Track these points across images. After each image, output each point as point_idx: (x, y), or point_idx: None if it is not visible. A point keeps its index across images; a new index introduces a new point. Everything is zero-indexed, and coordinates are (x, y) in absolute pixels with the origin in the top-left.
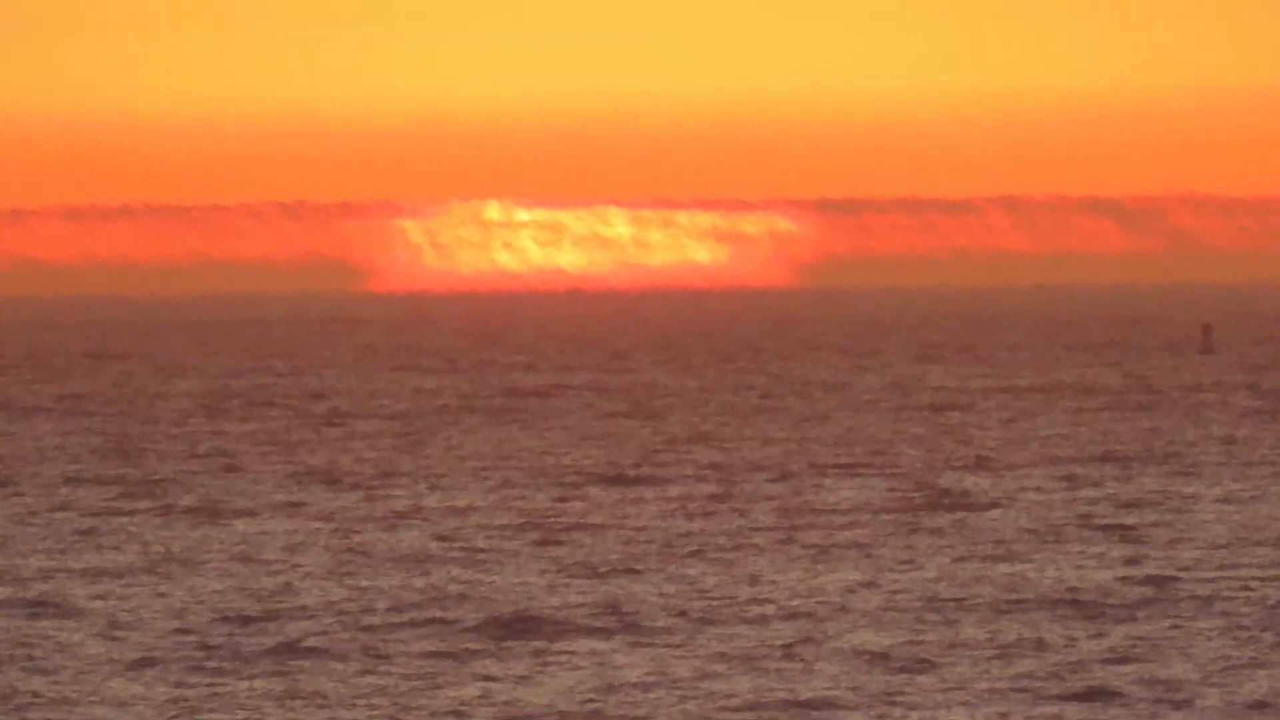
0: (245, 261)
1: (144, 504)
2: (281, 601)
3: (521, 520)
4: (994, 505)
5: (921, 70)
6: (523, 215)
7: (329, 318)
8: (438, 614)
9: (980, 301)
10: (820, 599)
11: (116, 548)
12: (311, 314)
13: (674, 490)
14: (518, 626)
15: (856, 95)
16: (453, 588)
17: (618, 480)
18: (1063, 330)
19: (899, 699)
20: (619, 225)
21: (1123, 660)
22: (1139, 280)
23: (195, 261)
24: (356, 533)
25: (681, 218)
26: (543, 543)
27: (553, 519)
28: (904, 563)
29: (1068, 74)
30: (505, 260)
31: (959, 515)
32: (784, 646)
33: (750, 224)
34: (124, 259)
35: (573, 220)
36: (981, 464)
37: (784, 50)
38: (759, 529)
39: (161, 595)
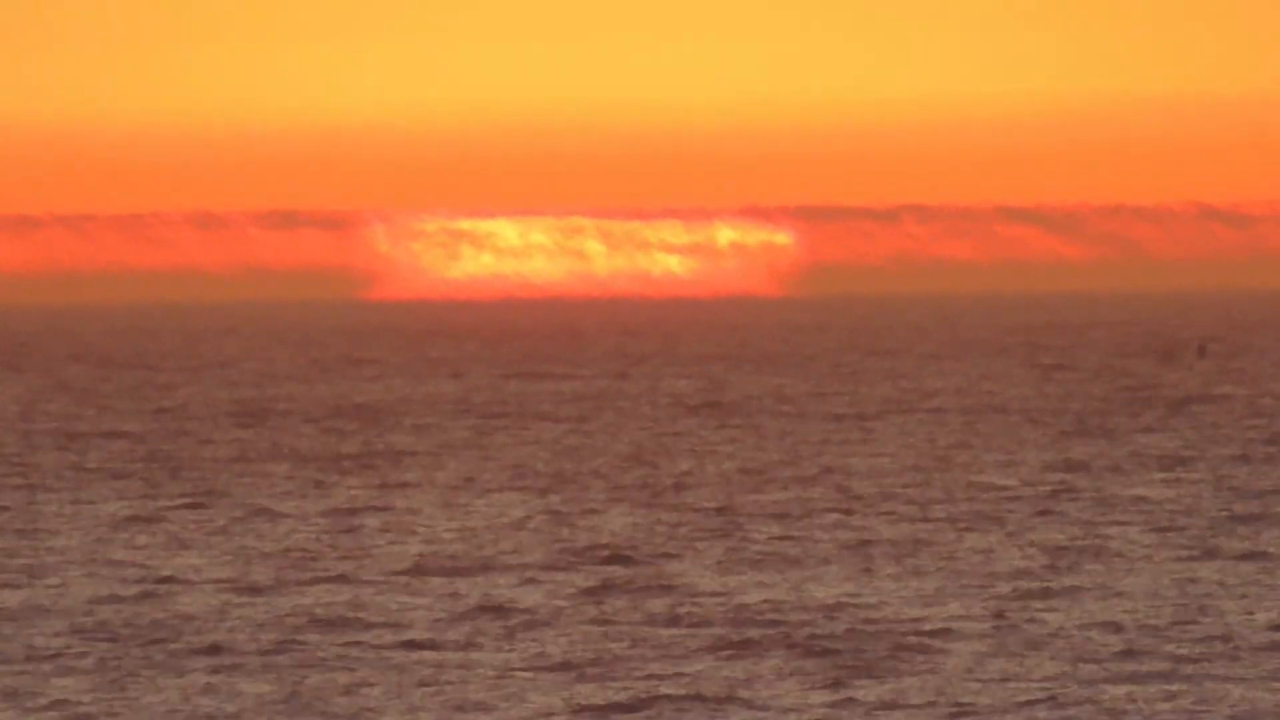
0: (243, 270)
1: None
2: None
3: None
4: None
5: (906, 78)
6: (506, 223)
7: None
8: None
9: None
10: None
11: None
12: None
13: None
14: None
15: (835, 102)
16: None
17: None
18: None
19: None
20: (614, 234)
21: None
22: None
23: (189, 268)
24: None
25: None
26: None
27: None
28: None
29: (1061, 79)
30: (506, 268)
31: None
32: None
33: (721, 232)
34: (123, 266)
35: (560, 229)
36: None
37: (757, 57)
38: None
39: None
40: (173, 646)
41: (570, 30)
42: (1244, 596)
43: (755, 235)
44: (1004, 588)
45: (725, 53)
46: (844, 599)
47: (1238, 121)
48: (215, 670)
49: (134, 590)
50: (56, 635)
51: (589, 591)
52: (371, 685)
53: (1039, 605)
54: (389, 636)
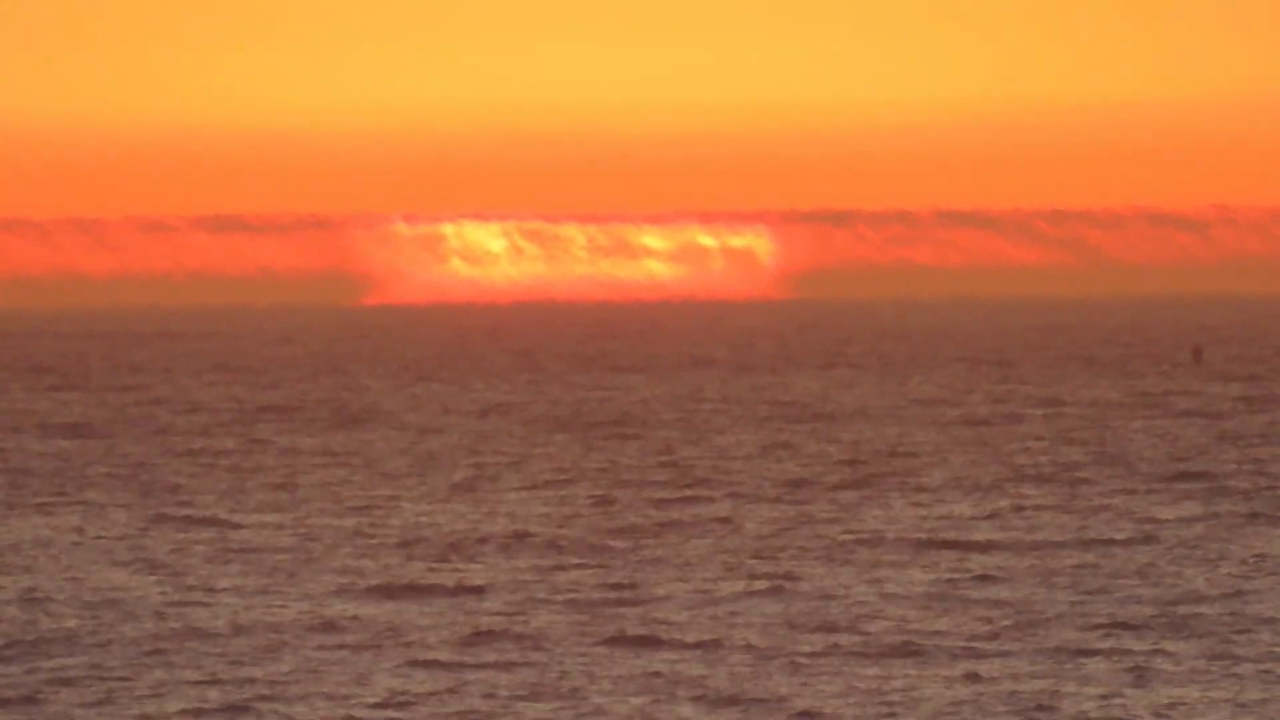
0: (243, 274)
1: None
2: None
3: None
4: None
5: (902, 80)
6: (520, 227)
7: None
8: None
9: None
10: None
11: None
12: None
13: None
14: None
15: (826, 105)
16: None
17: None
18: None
19: None
20: (627, 238)
21: None
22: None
23: (192, 273)
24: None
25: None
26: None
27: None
28: None
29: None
30: (510, 272)
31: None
32: None
33: (698, 236)
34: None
35: (576, 233)
36: None
37: (752, 61)
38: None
39: None
40: None
41: (559, 34)
42: None
43: (736, 239)
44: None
45: (730, 59)
46: None
47: (1176, 126)
48: None
49: None
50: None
51: None
52: None
53: None
54: None
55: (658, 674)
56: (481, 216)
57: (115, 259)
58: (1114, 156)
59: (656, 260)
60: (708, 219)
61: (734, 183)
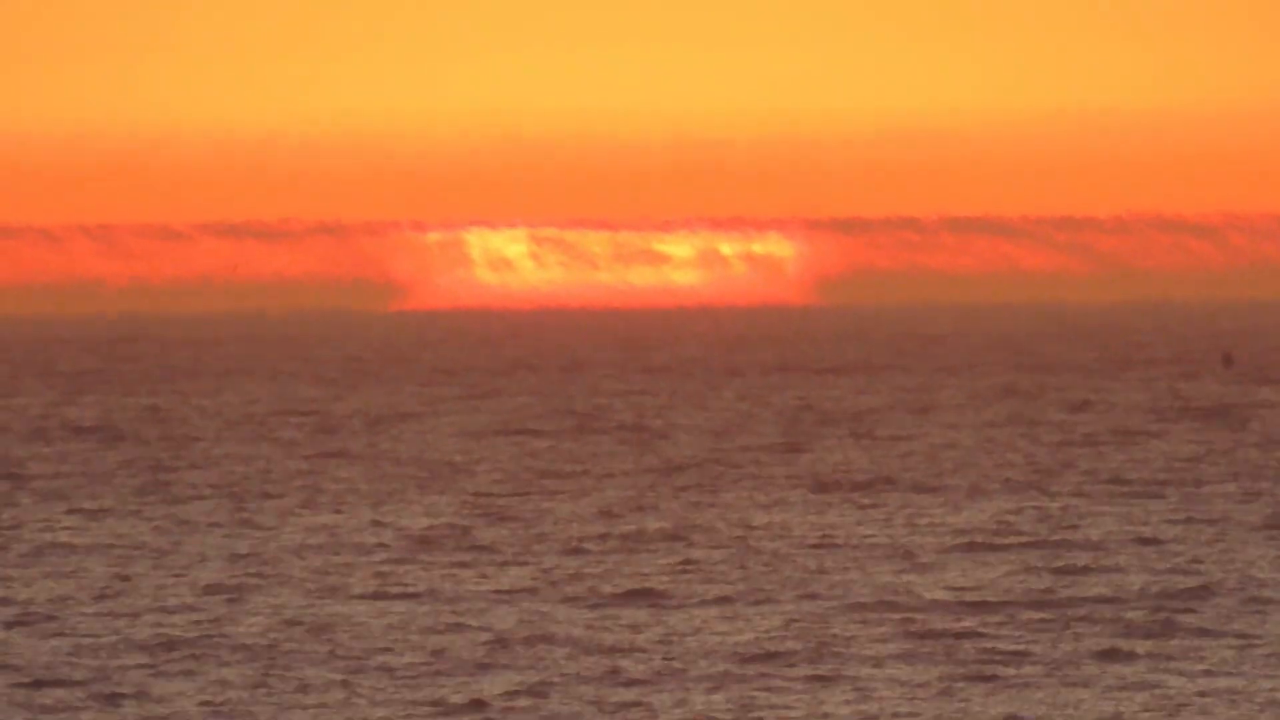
0: (271, 280)
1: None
2: None
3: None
4: None
5: (916, 89)
6: (543, 233)
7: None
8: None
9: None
10: None
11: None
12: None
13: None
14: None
15: (838, 113)
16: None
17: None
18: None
19: None
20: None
21: None
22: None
23: (224, 278)
24: None
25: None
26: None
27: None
28: None
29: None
30: (513, 279)
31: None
32: None
33: (738, 243)
34: (158, 276)
35: (596, 241)
36: None
37: (760, 70)
38: None
39: None
40: None
41: (579, 40)
42: None
43: (758, 245)
44: None
45: (738, 66)
46: None
47: (1184, 132)
48: None
49: None
50: None
51: None
52: None
53: None
54: None
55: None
56: (502, 223)
57: (126, 265)
58: (1122, 163)
59: (675, 267)
60: (724, 225)
61: (747, 189)
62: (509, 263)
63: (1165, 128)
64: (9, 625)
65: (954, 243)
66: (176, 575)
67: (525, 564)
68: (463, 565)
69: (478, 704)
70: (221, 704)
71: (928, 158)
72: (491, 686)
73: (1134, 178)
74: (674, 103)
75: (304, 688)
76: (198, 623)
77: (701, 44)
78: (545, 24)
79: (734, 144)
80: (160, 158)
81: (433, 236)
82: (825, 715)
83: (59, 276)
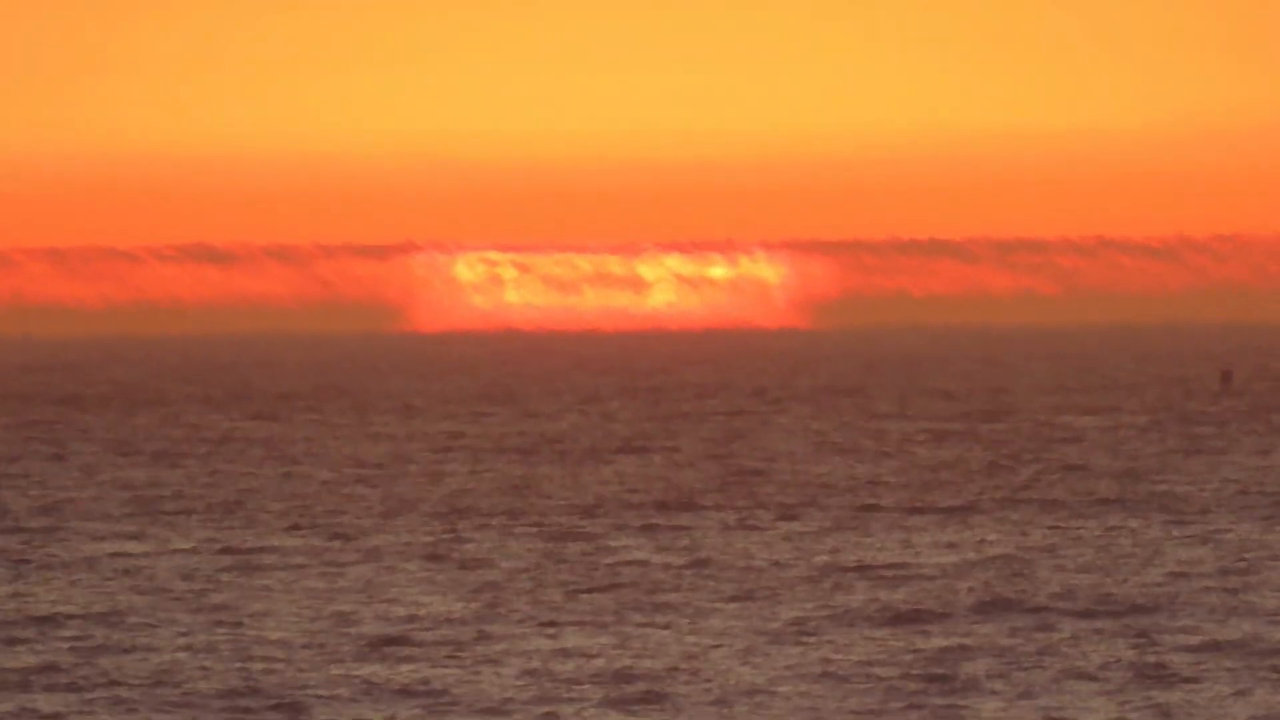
0: (278, 302)
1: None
2: None
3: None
4: None
5: (901, 109)
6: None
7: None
8: None
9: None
10: None
11: None
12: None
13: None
14: None
15: (828, 133)
16: None
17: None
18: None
19: None
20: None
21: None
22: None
23: (226, 301)
24: None
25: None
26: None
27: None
28: None
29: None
30: (542, 300)
31: None
32: None
33: (727, 266)
34: (164, 298)
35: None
36: None
37: (752, 89)
38: None
39: None
40: None
41: (565, 60)
42: None
43: (737, 268)
44: None
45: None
46: None
47: (1129, 155)
48: None
49: None
50: None
51: None
52: None
53: None
54: None
55: None
56: (488, 246)
57: (85, 288)
58: (1079, 185)
59: (659, 289)
60: (708, 247)
61: (731, 212)
62: (492, 285)
63: (1110, 149)
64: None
65: (913, 265)
66: None
67: None
68: None
69: None
70: None
71: (883, 178)
72: None
73: (1090, 200)
74: (657, 124)
75: None
76: None
77: (688, 66)
78: (528, 45)
79: (720, 166)
80: (149, 179)
81: (423, 259)
82: None
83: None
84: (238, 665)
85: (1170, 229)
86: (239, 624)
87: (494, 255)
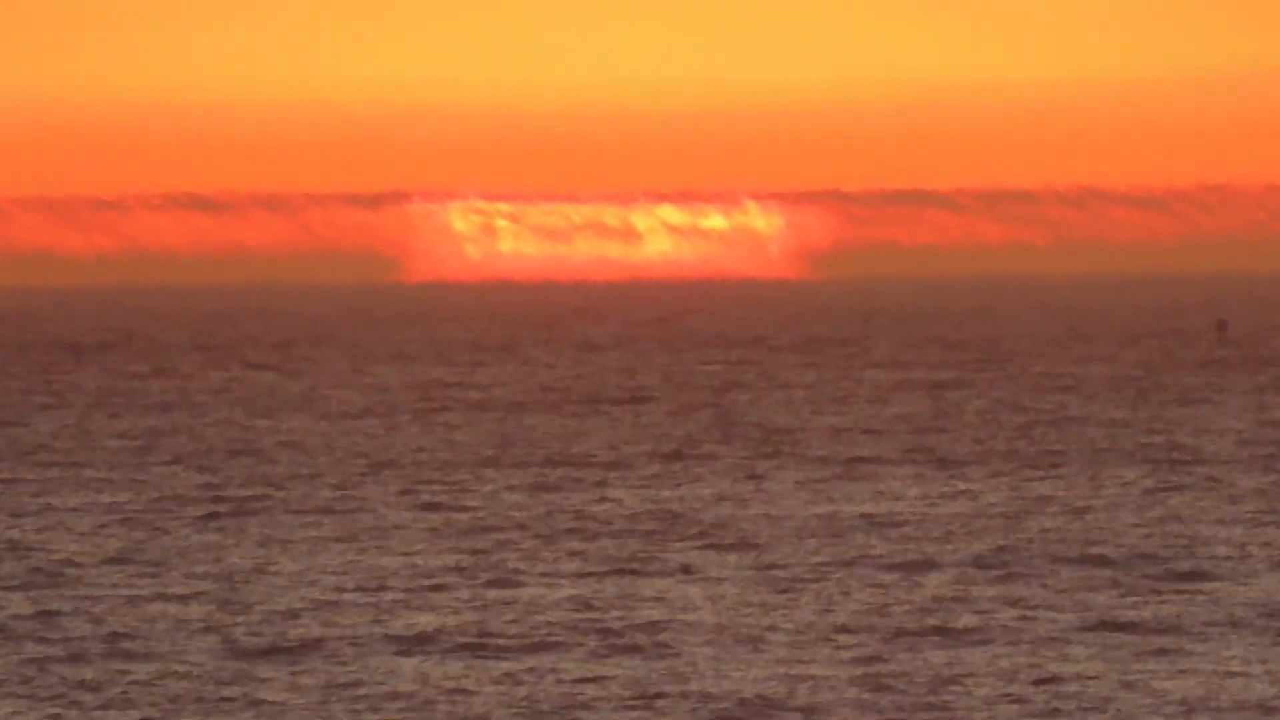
0: (270, 251)
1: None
2: None
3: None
4: None
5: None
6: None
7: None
8: None
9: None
10: None
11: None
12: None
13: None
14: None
15: (825, 85)
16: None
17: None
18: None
19: None
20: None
21: None
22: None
23: (222, 250)
24: None
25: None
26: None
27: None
28: None
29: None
30: (537, 250)
31: None
32: None
33: (724, 217)
34: (157, 248)
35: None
36: None
37: (749, 41)
38: None
39: None
40: None
41: (562, 9)
42: None
43: (733, 219)
44: None
45: (729, 38)
46: None
47: (1121, 105)
48: None
49: None
50: None
51: None
52: None
53: None
54: None
55: None
56: (486, 196)
57: (76, 237)
58: (1066, 136)
59: (651, 239)
60: (704, 198)
61: (724, 163)
62: (490, 235)
63: (1098, 101)
64: None
65: (904, 215)
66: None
67: None
68: None
69: None
70: None
71: (878, 130)
72: None
73: (1082, 150)
74: (653, 75)
75: None
76: None
77: (683, 16)
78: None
79: (713, 117)
80: (148, 130)
81: (416, 208)
82: None
83: (60, 248)
84: (233, 616)
85: (1158, 180)
86: (233, 573)
87: (483, 204)
